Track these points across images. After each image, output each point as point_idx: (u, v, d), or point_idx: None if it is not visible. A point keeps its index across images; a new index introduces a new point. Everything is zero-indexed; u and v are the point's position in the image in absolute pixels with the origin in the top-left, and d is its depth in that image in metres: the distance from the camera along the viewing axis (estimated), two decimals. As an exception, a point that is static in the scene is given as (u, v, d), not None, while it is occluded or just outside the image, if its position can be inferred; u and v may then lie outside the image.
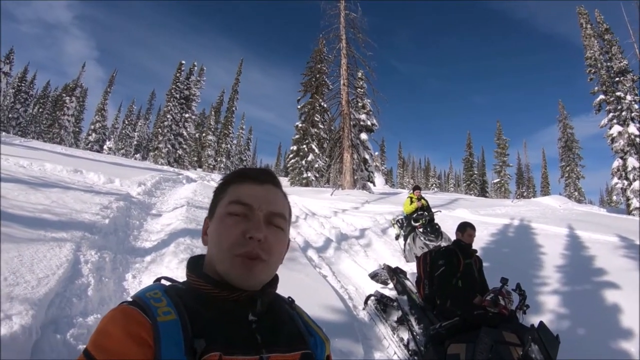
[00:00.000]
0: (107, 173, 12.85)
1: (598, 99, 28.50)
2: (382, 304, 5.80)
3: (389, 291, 6.34)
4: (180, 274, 4.62)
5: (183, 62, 49.06)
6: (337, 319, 5.33)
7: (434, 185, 74.67)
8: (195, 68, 50.71)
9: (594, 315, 6.00)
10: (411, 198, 10.65)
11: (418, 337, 4.82)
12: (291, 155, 36.85)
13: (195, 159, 54.82)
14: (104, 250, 5.73)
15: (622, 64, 27.55)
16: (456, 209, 16.59)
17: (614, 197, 30.23)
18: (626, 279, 6.83)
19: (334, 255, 9.10)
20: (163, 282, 1.02)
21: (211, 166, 53.89)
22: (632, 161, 25.82)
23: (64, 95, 55.91)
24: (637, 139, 26.05)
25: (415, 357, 4.71)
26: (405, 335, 5.08)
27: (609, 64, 28.49)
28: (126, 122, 65.34)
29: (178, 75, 48.15)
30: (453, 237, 6.77)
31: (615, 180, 26.81)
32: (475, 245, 5.25)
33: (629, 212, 24.44)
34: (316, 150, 34.54)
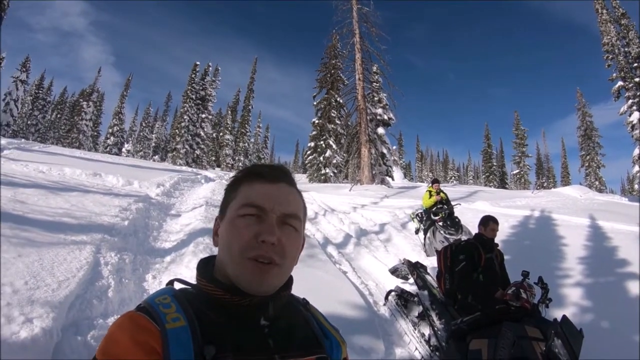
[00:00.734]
0: (125, 175, 12.99)
1: (617, 85, 27.70)
2: (403, 300, 5.76)
3: (410, 286, 6.29)
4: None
5: (198, 63, 49.27)
6: (357, 316, 5.31)
7: (453, 178, 74.01)
8: (210, 68, 50.90)
9: (617, 307, 5.89)
10: (430, 192, 10.56)
11: (439, 332, 4.76)
12: (309, 152, 36.78)
13: (214, 158, 55.14)
14: (123, 252, 5.79)
15: (639, 49, 26.94)
16: (476, 202, 16.43)
17: (636, 186, 29.47)
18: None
19: (354, 251, 9.09)
20: (176, 284, 0.99)
21: (229, 165, 54.14)
22: (653, 149, 25.24)
23: (81, 100, 56.60)
24: (658, 126, 25.42)
25: (437, 353, 4.66)
26: (427, 331, 5.04)
27: (626, 49, 27.75)
28: (143, 125, 65.96)
29: (193, 76, 48.33)
30: (473, 230, 6.66)
31: (637, 168, 26.13)
32: (496, 238, 5.17)
33: None
34: (334, 146, 34.42)
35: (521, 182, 52.69)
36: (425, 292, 5.44)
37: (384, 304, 6.14)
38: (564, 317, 3.79)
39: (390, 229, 11.18)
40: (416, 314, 5.41)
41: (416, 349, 4.95)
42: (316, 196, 17.94)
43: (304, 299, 1.12)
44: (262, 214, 0.92)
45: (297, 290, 1.03)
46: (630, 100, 26.53)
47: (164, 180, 14.23)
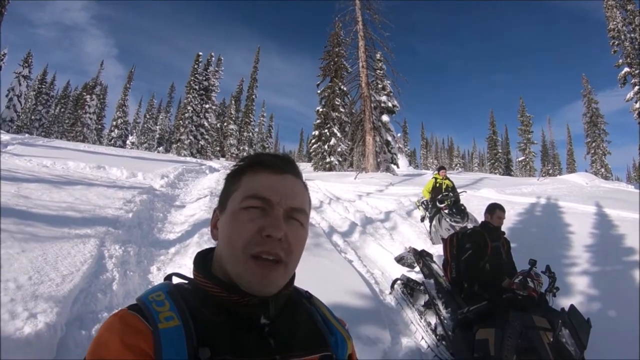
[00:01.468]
0: (129, 167, 13.02)
1: (623, 71, 27.42)
2: (409, 288, 5.75)
3: (416, 275, 6.28)
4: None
5: (200, 53, 49.17)
6: (363, 305, 5.29)
7: (458, 165, 73.95)
8: (213, 59, 50.77)
9: (625, 296, 5.85)
10: (436, 179, 10.55)
11: (445, 321, 4.74)
12: (313, 140, 36.70)
13: (218, 148, 55.20)
14: (128, 244, 5.81)
15: None
16: (481, 189, 16.42)
17: None
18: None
19: (359, 239, 9.06)
20: (174, 279, 0.95)
21: (234, 155, 54.15)
22: (659, 136, 25.00)
23: (85, 94, 56.72)
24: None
25: (443, 342, 4.65)
26: (433, 320, 5.02)
27: (632, 35, 27.40)
28: (147, 116, 65.99)
29: (196, 67, 48.27)
30: (479, 218, 6.61)
31: None
32: (502, 226, 5.13)
33: None
34: (338, 134, 34.32)
35: (526, 169, 52.51)
36: (432, 281, 5.43)
37: (390, 293, 6.14)
38: (572, 306, 3.77)
39: (395, 217, 11.15)
40: (422, 303, 5.40)
41: (422, 338, 4.94)
42: (321, 185, 17.93)
43: (307, 292, 1.07)
44: (268, 207, 0.87)
45: (302, 280, 0.98)
46: (637, 87, 26.28)
47: (168, 172, 14.24)
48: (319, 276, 5.69)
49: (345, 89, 34.73)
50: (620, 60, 27.78)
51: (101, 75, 58.64)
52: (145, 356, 0.72)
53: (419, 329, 5.08)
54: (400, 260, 6.75)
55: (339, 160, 34.56)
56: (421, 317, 5.20)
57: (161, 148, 60.12)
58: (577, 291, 6.05)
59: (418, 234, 9.79)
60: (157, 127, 66.12)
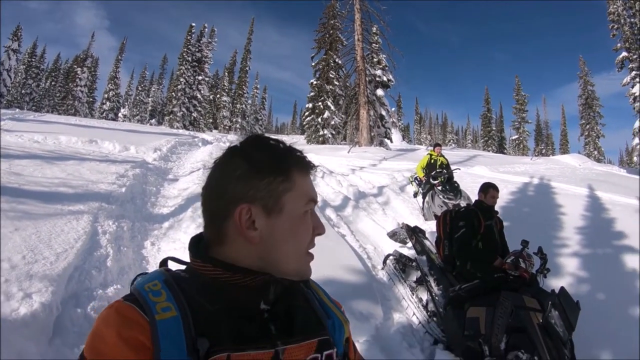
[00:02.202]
0: (122, 141, 12.90)
1: (621, 56, 27.05)
2: (401, 264, 5.78)
3: (408, 250, 6.31)
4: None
5: (193, 24, 48.34)
6: (356, 280, 5.34)
7: (452, 141, 73.73)
8: (206, 30, 49.92)
9: (614, 280, 5.93)
10: (431, 155, 10.55)
11: (437, 298, 4.80)
12: (307, 113, 36.46)
13: (211, 120, 54.76)
14: (121, 220, 5.81)
15: None
16: (474, 166, 16.47)
17: (635, 158, 29.27)
18: (646, 244, 6.71)
19: (352, 213, 9.07)
20: (170, 263, 0.94)
21: (227, 127, 53.83)
22: (654, 122, 24.91)
23: (75, 66, 55.74)
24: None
25: (434, 319, 4.71)
26: (424, 296, 5.08)
27: (632, 19, 26.98)
28: (139, 89, 65.18)
29: (189, 38, 47.52)
30: (472, 196, 6.64)
31: (637, 140, 25.80)
32: (495, 205, 5.16)
33: None
34: (332, 108, 34.14)
35: (520, 148, 52.51)
36: (424, 257, 5.47)
37: (382, 268, 6.18)
38: (562, 288, 3.82)
39: (388, 191, 11.17)
40: (414, 279, 5.44)
41: (414, 314, 5.00)
42: (314, 158, 17.29)
43: None
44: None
45: None
46: (634, 72, 25.97)
47: (160, 145, 14.16)
48: (312, 250, 5.71)
49: (340, 62, 34.39)
50: (619, 45, 27.46)
51: (92, 47, 57.76)
52: (143, 348, 0.71)
53: (411, 305, 5.14)
54: (393, 235, 6.79)
55: (332, 134, 34.48)
56: (413, 294, 5.25)
57: (153, 120, 59.62)
58: (568, 273, 6.12)
59: (411, 210, 9.84)
60: (150, 99, 65.42)
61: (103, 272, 4.36)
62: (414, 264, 5.56)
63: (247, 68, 56.80)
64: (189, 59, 46.57)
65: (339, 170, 15.20)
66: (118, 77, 59.23)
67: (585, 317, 3.85)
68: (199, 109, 46.58)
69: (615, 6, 27.91)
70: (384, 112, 30.52)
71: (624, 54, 26.81)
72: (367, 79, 29.61)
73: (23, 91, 55.58)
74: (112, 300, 3.74)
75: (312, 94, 35.45)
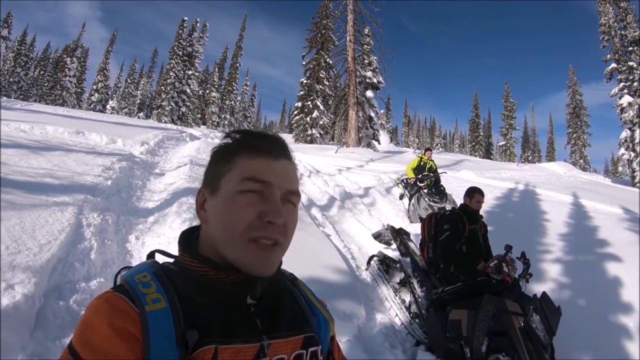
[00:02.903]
0: (109, 133, 12.79)
1: (610, 67, 27.37)
2: (385, 265, 5.81)
3: (392, 252, 6.35)
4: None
5: (185, 18, 48.10)
6: (339, 280, 5.35)
7: (439, 145, 74.06)
8: (198, 24, 49.64)
9: (595, 287, 5.99)
10: (421, 158, 10.63)
11: (420, 300, 4.82)
12: (296, 112, 36.42)
13: (199, 116, 54.53)
14: (106, 212, 5.76)
15: (636, 33, 26.21)
16: (461, 170, 16.59)
17: (620, 168, 29.68)
18: (628, 252, 6.77)
19: (338, 214, 9.10)
20: (158, 256, 0.95)
21: (215, 123, 53.61)
22: (640, 133, 25.22)
23: (65, 56, 55.25)
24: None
25: (417, 320, 4.73)
26: (407, 298, 5.10)
27: (623, 32, 27.29)
28: (129, 81, 64.69)
29: (180, 32, 47.22)
30: (457, 199, 6.67)
31: (622, 151, 26.15)
32: (480, 210, 5.19)
33: (634, 184, 23.97)
34: (321, 107, 34.13)
35: (506, 154, 52.78)
36: (408, 259, 5.49)
37: (366, 269, 6.19)
38: (544, 293, 3.87)
39: (374, 193, 11.21)
40: (397, 281, 5.47)
41: (396, 315, 5.02)
42: (302, 157, 17.86)
43: (291, 274, 1.08)
44: (266, 191, 0.86)
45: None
46: (622, 83, 26.34)
47: (148, 138, 14.08)
48: (297, 249, 5.66)
49: (331, 62, 34.42)
50: (609, 56, 27.74)
51: (83, 38, 57.53)
52: (133, 339, 0.72)
53: (394, 306, 5.16)
54: (377, 236, 6.81)
55: (320, 133, 34.47)
56: (396, 295, 5.27)
57: (142, 114, 59.12)
58: (550, 278, 6.17)
59: (396, 212, 9.87)
60: (139, 92, 64.88)
61: (87, 265, 4.32)
62: (397, 265, 5.59)
63: (237, 64, 56.59)
64: (180, 53, 46.30)
65: (326, 170, 15.24)
66: (107, 69, 58.89)
67: (566, 322, 3.91)
68: (188, 103, 46.34)
69: (606, 18, 28.15)
70: (372, 114, 30.65)
71: (613, 65, 27.16)
72: (357, 80, 29.76)
73: (11, 79, 54.95)
74: (95, 293, 3.73)
75: (301, 92, 35.42)
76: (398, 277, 5.52)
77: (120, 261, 4.87)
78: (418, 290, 4.97)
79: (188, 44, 47.39)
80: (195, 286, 0.84)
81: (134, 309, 0.75)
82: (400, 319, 4.96)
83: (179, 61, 45.91)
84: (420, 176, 9.81)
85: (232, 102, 56.79)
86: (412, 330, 4.71)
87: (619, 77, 26.72)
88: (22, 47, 56.83)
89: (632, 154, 25.39)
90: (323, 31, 34.77)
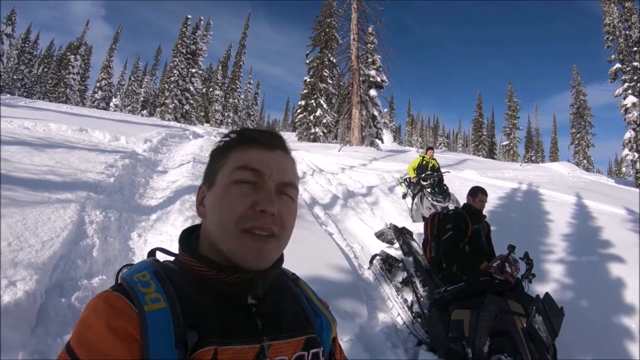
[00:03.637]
0: (112, 131, 12.82)
1: (614, 67, 27.34)
2: (388, 264, 5.79)
3: (395, 251, 6.35)
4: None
5: (189, 16, 48.16)
6: (342, 278, 5.33)
7: (442, 144, 73.92)
8: (202, 22, 49.73)
9: (597, 287, 5.96)
10: (423, 157, 10.60)
11: (422, 299, 4.81)
12: (299, 110, 36.49)
13: (203, 114, 54.69)
14: (109, 210, 5.76)
15: None
16: (464, 170, 16.57)
17: (623, 169, 29.66)
18: (631, 253, 6.75)
19: (341, 212, 9.07)
20: (158, 254, 0.94)
21: (218, 121, 53.69)
22: (645, 134, 25.15)
23: (69, 54, 55.53)
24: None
25: (419, 320, 4.72)
26: (410, 297, 5.09)
27: (627, 32, 27.26)
28: (132, 79, 64.90)
29: (184, 30, 47.31)
30: (460, 199, 6.65)
31: (626, 151, 26.11)
32: (483, 209, 5.17)
33: (638, 185, 23.93)
34: (324, 106, 34.18)
35: (510, 154, 52.66)
36: (410, 259, 5.47)
37: (369, 268, 6.18)
38: (547, 294, 3.84)
39: (377, 192, 11.18)
40: (400, 280, 5.45)
41: (399, 314, 5.00)
42: (305, 155, 17.88)
43: (293, 274, 1.07)
44: (259, 181, 0.85)
45: (284, 251, 0.95)
46: (627, 84, 26.30)
47: (151, 136, 14.10)
48: (299, 248, 5.68)
49: (334, 60, 34.49)
50: (613, 56, 27.70)
51: (86, 35, 57.76)
52: (132, 339, 0.71)
53: (396, 306, 5.14)
54: (380, 236, 6.82)
55: (323, 132, 34.52)
56: (398, 294, 5.26)
57: (145, 111, 59.36)
58: (553, 279, 6.15)
59: (399, 211, 9.84)
60: (142, 90, 65.12)
61: (89, 262, 4.32)
62: (400, 264, 5.58)
63: (241, 63, 56.64)
64: (184, 51, 46.40)
65: (329, 168, 15.21)
66: (111, 67, 59.14)
67: (569, 323, 3.88)
68: (191, 101, 46.40)
69: (611, 18, 28.05)
70: (376, 113, 30.63)
71: (618, 65, 27.09)
72: (361, 78, 29.69)
73: (15, 77, 55.25)
74: (97, 290, 3.73)
75: (305, 91, 35.51)
76: (400, 276, 5.50)
77: (123, 258, 4.88)
78: (420, 289, 4.95)
79: (192, 42, 47.46)
80: (195, 286, 0.83)
81: (132, 308, 0.75)
82: (402, 318, 4.94)
83: (183, 59, 45.99)
84: (423, 175, 9.79)
85: (236, 101, 56.83)
86: (414, 330, 4.69)
87: (623, 77, 26.67)
88: (26, 45, 57.13)
89: (636, 155, 25.34)
90: (327, 30, 34.83)
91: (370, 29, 31.86)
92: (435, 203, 8.85)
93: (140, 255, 5.04)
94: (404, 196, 10.53)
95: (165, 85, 46.37)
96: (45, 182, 5.93)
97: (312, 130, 34.05)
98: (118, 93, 62.81)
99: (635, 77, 25.93)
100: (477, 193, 5.05)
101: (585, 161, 43.83)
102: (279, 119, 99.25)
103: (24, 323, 2.97)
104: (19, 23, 51.52)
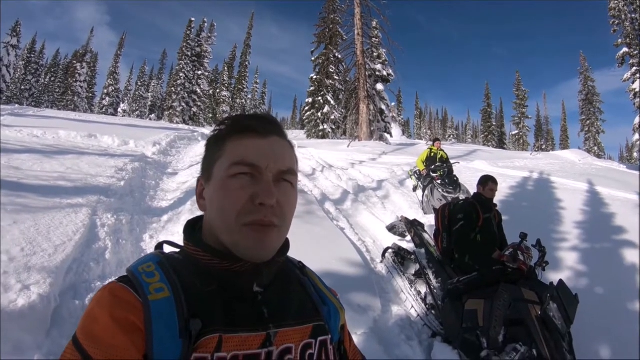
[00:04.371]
0: (121, 135, 12.93)
1: (621, 52, 26.83)
2: (400, 257, 5.77)
3: (407, 244, 6.33)
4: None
5: (193, 19, 48.37)
6: (355, 273, 5.33)
7: (452, 136, 73.75)
8: (206, 24, 49.90)
9: (612, 274, 5.92)
10: (431, 149, 10.58)
11: (435, 291, 4.79)
12: (307, 108, 36.51)
13: (211, 115, 54.76)
14: (120, 213, 5.82)
15: None
16: (474, 161, 16.50)
17: (635, 154, 29.14)
18: (645, 239, 6.70)
19: (352, 207, 9.07)
20: (166, 247, 0.94)
21: (226, 122, 53.82)
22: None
23: (75, 62, 55.93)
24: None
25: (433, 312, 4.70)
26: (423, 289, 5.08)
27: (634, 15, 26.79)
28: (139, 84, 65.06)
29: (188, 33, 47.53)
30: (471, 189, 6.61)
31: (637, 136, 25.72)
32: (494, 198, 5.14)
33: None
34: (332, 102, 34.16)
35: (520, 143, 52.34)
36: (423, 251, 5.46)
37: (381, 261, 6.16)
38: (561, 281, 3.81)
39: (388, 185, 11.16)
40: (413, 272, 5.44)
41: (412, 307, 4.99)
42: (314, 152, 17.87)
43: (300, 262, 1.06)
44: (257, 173, 0.84)
45: (295, 247, 0.96)
46: (635, 68, 25.86)
47: (160, 139, 14.22)
48: (311, 243, 5.70)
49: (340, 56, 34.41)
50: (620, 40, 27.24)
51: (92, 43, 58.11)
52: (136, 329, 0.71)
53: (409, 298, 5.13)
54: (392, 229, 6.79)
55: (332, 128, 34.51)
56: (411, 286, 5.24)
57: (153, 115, 59.50)
58: (566, 266, 6.11)
59: (410, 204, 9.81)
60: (149, 94, 65.29)
61: (101, 265, 4.37)
62: (412, 257, 5.56)
63: (246, 63, 56.74)
64: (189, 53, 46.58)
65: (339, 164, 15.18)
66: (117, 73, 59.39)
67: (584, 310, 3.85)
68: (199, 103, 46.60)
69: (616, 2, 27.68)
70: (383, 107, 30.51)
71: (625, 49, 26.66)
72: (367, 73, 29.61)
73: (22, 87, 55.75)
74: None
75: (312, 88, 35.51)
76: (413, 268, 5.49)
77: (134, 260, 4.90)
78: (433, 281, 4.94)
79: (197, 45, 47.67)
80: (200, 274, 0.83)
81: (137, 298, 0.75)
82: (416, 310, 4.93)
83: (188, 62, 46.18)
84: (433, 167, 9.76)
85: (243, 101, 56.95)
86: (429, 322, 4.68)
87: (631, 61, 26.22)
88: (32, 55, 57.61)
89: (647, 140, 25.00)
90: (331, 26, 34.82)
91: (374, 23, 31.73)
92: (445, 194, 8.82)
93: (152, 257, 5.07)
94: (415, 189, 10.50)
95: (172, 88, 46.57)
96: (56, 188, 5.99)
97: (321, 127, 34.06)
98: (125, 98, 63.07)
99: (643, 61, 25.55)
100: (487, 182, 5.02)
101: (596, 148, 43.48)
102: (287, 118, 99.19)
103: (39, 326, 3.01)
104: (24, 34, 52.07)
